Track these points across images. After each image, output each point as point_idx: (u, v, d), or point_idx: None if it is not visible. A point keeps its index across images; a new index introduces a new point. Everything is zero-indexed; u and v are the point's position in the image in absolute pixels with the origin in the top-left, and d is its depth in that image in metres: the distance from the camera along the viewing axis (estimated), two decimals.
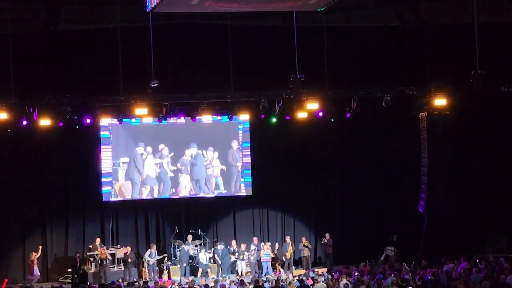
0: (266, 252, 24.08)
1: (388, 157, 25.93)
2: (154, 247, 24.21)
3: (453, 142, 25.40)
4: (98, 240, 24.19)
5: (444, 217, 24.79)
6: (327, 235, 24.89)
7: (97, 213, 25.27)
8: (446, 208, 24.88)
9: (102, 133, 24.73)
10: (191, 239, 24.61)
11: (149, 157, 25.10)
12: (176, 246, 24.53)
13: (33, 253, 23.43)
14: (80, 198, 25.22)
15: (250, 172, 25.53)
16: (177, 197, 25.35)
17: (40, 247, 23.91)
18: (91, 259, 23.88)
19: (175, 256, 24.44)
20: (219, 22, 23.49)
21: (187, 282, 20.71)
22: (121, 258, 24.25)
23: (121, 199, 25.09)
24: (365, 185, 25.94)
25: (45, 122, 21.52)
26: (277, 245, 24.93)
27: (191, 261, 24.15)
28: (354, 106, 22.62)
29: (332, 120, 23.83)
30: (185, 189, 25.32)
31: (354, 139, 25.92)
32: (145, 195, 25.16)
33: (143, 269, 24.35)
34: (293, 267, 24.58)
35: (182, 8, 16.17)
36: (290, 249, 24.40)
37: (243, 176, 25.59)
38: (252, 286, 19.28)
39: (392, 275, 19.05)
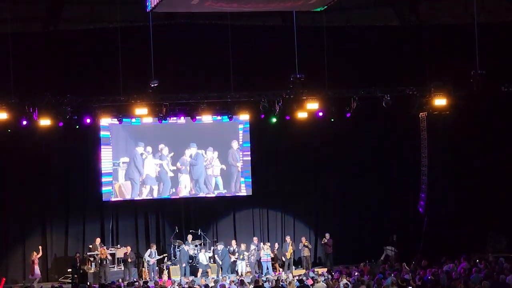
0: (266, 252, 24.06)
1: (388, 157, 25.90)
2: (154, 247, 24.21)
3: (453, 142, 25.38)
4: (98, 240, 24.19)
5: (444, 217, 24.79)
6: (327, 235, 24.88)
7: (97, 213, 25.27)
8: (446, 208, 24.88)
9: (102, 133, 24.72)
10: (191, 239, 24.60)
11: (149, 157, 25.09)
12: (176, 246, 24.51)
13: (34, 253, 23.44)
14: (80, 198, 25.21)
15: (250, 172, 25.54)
16: (177, 197, 25.34)
17: (40, 247, 23.92)
18: (91, 259, 23.88)
19: (175, 256, 24.42)
20: (219, 22, 23.48)
21: (187, 282, 20.68)
22: (121, 258, 24.24)
23: (121, 199, 25.08)
24: (365, 185, 25.93)
25: (45, 122, 21.50)
26: (277, 245, 24.93)
27: (191, 261, 24.13)
28: (354, 106, 22.62)
29: (332, 120, 23.81)
30: (185, 189, 25.32)
31: (354, 139, 25.92)
32: (145, 195, 25.16)
33: (143, 269, 24.34)
34: (293, 267, 24.57)
35: (182, 8, 16.19)
36: (290, 249, 24.38)
37: (243, 176, 25.59)
38: (252, 286, 19.25)
39: (392, 275, 19.03)
